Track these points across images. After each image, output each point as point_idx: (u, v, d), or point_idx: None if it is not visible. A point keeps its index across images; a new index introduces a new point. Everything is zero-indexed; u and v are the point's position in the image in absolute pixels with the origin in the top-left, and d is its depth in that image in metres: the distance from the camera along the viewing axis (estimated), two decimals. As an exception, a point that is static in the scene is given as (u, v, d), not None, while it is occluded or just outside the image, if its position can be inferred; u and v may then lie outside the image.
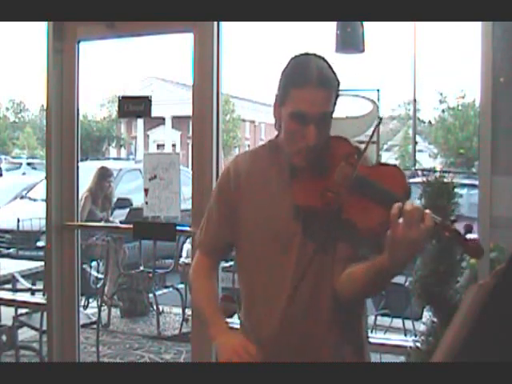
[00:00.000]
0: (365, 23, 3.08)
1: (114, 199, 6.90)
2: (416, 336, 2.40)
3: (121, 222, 6.24)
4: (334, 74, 1.55)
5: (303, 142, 1.53)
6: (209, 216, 1.77)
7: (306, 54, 1.58)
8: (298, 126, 1.53)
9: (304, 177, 1.57)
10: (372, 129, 1.62)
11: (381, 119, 1.60)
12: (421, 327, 2.47)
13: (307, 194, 1.55)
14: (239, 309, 1.89)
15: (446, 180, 2.31)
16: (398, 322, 4.54)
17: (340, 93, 1.58)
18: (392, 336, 3.77)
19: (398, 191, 1.41)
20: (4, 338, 3.89)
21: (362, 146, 1.58)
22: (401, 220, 1.33)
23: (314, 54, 1.57)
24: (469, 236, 1.37)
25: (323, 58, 1.57)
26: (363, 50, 3.13)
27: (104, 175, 6.42)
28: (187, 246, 5.75)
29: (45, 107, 3.40)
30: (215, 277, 1.81)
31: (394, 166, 1.58)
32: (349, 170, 1.50)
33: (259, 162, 1.70)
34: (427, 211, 1.34)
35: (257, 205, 1.65)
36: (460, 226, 1.40)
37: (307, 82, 1.50)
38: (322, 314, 1.59)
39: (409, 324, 4.47)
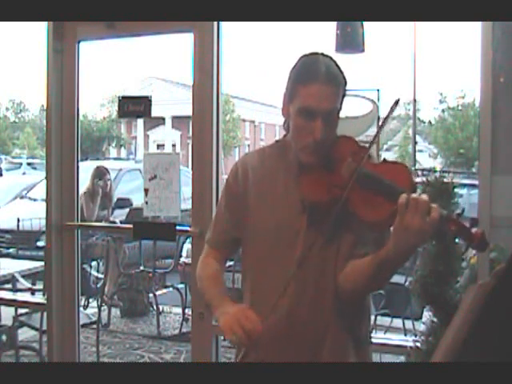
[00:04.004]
0: (365, 23, 3.08)
1: (115, 199, 6.90)
2: (416, 336, 2.40)
3: (121, 222, 6.24)
4: (341, 72, 1.59)
5: (310, 138, 1.55)
6: (217, 213, 1.82)
7: (314, 53, 1.60)
8: (305, 122, 1.55)
9: (311, 172, 1.59)
10: (387, 113, 1.62)
11: (397, 101, 1.60)
12: (421, 327, 2.47)
13: (314, 189, 1.57)
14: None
15: (446, 180, 2.31)
16: (398, 322, 4.53)
17: (346, 92, 1.61)
18: (392, 336, 3.77)
19: (404, 186, 1.43)
20: (4, 338, 3.89)
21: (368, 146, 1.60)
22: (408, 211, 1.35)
23: (322, 53, 1.61)
24: (474, 230, 1.37)
25: (331, 57, 1.60)
26: (363, 50, 3.13)
27: (99, 174, 6.44)
28: (187, 246, 5.75)
29: (45, 107, 3.39)
30: (222, 269, 1.82)
31: (400, 163, 1.61)
32: (355, 165, 1.52)
33: (267, 160, 1.73)
34: (434, 204, 1.36)
35: (264, 200, 1.67)
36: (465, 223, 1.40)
37: (315, 78, 1.53)
38: (325, 309, 1.60)
39: (409, 324, 4.47)
